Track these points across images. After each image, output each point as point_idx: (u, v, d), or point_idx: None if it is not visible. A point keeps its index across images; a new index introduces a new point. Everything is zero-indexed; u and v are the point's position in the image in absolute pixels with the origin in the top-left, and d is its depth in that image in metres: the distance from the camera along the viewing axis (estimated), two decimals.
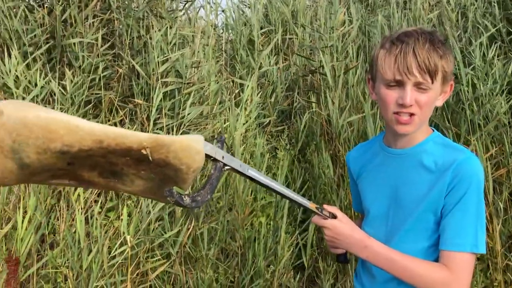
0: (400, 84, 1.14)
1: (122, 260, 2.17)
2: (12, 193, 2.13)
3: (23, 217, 1.92)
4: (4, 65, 2.35)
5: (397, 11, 3.86)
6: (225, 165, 1.01)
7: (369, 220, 1.28)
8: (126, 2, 2.79)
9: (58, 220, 2.25)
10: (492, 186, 2.57)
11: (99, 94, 2.76)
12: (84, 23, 2.76)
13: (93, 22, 2.84)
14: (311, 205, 1.21)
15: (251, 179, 1.10)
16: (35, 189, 2.15)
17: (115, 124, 2.88)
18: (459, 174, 1.13)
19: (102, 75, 2.70)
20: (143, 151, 0.85)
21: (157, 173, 0.89)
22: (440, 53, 1.14)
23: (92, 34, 2.78)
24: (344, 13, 3.95)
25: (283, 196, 1.17)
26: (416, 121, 1.16)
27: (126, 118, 2.93)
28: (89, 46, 2.85)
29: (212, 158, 0.98)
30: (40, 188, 2.19)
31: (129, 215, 2.35)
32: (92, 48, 2.89)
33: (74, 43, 2.68)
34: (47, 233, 2.18)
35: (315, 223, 1.22)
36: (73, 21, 2.82)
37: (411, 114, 1.15)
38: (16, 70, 2.31)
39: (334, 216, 1.21)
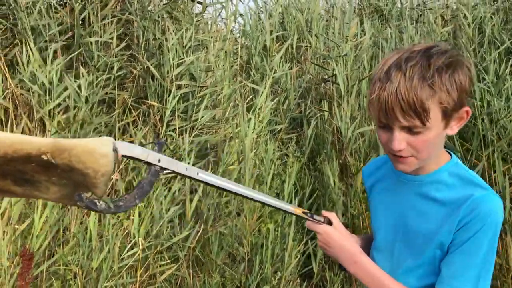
0: (388, 126, 1.03)
1: (132, 262, 2.17)
2: None
3: (40, 215, 1.93)
4: (22, 61, 2.36)
5: (411, 24, 3.87)
6: (163, 169, 0.95)
7: (375, 246, 1.21)
8: (144, 4, 2.81)
9: (67, 217, 2.25)
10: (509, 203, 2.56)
11: (112, 93, 2.77)
12: (102, 23, 2.78)
13: (111, 21, 2.86)
14: (296, 210, 1.15)
15: (207, 183, 1.02)
16: None
17: (128, 125, 2.89)
18: (474, 212, 1.01)
19: (116, 74, 2.71)
20: (43, 157, 0.82)
21: (67, 179, 0.86)
22: (432, 89, 0.98)
23: (109, 34, 2.79)
24: (358, 24, 3.96)
25: (256, 201, 1.10)
26: (414, 162, 1.05)
27: (139, 119, 2.94)
28: (105, 46, 2.87)
29: (143, 162, 0.93)
30: None
31: (139, 215, 2.35)
32: (108, 48, 2.91)
33: (91, 42, 2.70)
34: (61, 230, 2.18)
35: (308, 228, 1.16)
36: (91, 21, 2.84)
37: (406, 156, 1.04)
38: (32, 67, 2.33)
39: (330, 222, 1.16)
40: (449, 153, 1.13)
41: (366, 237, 1.29)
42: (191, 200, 2.52)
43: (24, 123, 2.37)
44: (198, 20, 3.19)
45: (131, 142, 2.89)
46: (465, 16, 3.32)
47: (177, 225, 2.40)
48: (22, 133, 2.36)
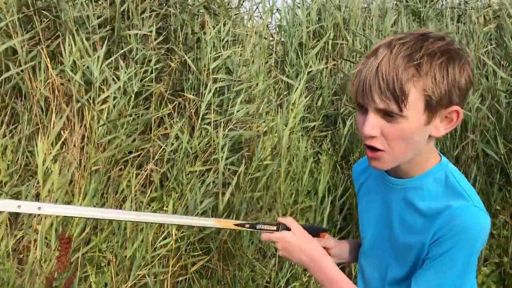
0: (365, 109, 0.91)
1: (165, 252, 2.19)
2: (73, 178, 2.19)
3: (80, 204, 1.97)
4: (65, 52, 2.42)
5: (451, 24, 3.77)
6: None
7: (363, 252, 1.11)
8: None
9: (105, 207, 2.30)
10: None
11: (150, 86, 2.81)
12: (141, 16, 2.82)
13: (149, 15, 2.90)
14: (219, 223, 1.05)
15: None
16: (94, 175, 2.20)
17: (163, 117, 2.93)
18: (449, 224, 0.89)
19: (154, 67, 2.75)
20: None
21: None
22: (417, 72, 0.86)
23: (148, 27, 2.83)
24: (395, 22, 3.89)
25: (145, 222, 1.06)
26: (386, 158, 0.92)
27: (174, 112, 2.97)
28: (143, 39, 2.91)
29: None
30: (99, 175, 2.24)
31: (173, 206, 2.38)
32: (145, 41, 2.95)
33: (130, 35, 2.74)
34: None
35: (264, 240, 1.07)
36: (130, 14, 2.89)
37: (377, 149, 0.91)
38: (75, 57, 2.38)
39: (287, 229, 1.07)
40: (441, 156, 1.00)
41: (355, 241, 1.22)
42: (223, 194, 2.53)
43: (65, 112, 2.43)
44: (235, 14, 3.20)
45: (167, 134, 2.93)
46: (508, 14, 3.21)
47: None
48: (63, 121, 2.41)
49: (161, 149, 2.74)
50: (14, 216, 2.24)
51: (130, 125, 2.49)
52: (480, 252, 0.99)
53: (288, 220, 1.07)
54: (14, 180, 2.40)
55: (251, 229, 1.06)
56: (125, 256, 2.17)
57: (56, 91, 2.80)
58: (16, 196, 2.28)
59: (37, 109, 2.76)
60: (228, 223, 1.07)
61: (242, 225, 1.07)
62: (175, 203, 2.42)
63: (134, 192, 2.27)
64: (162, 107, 2.86)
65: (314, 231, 1.12)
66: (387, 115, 0.88)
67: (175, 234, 2.22)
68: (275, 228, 1.07)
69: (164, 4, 2.97)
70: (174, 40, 2.95)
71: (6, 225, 2.15)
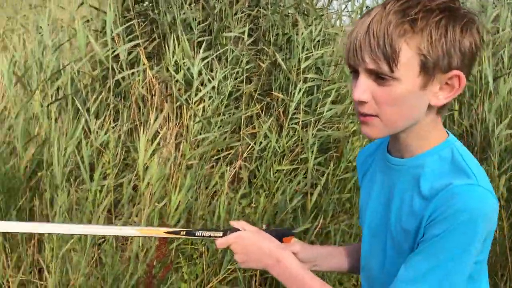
0: (356, 72, 0.83)
1: None
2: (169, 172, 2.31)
3: (176, 197, 2.07)
4: (166, 52, 2.55)
5: None
6: None
7: (362, 246, 0.99)
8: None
9: (199, 200, 2.39)
10: None
11: (240, 86, 2.88)
12: (234, 17, 2.91)
13: (240, 17, 2.97)
14: (142, 231, 0.95)
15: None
16: (190, 171, 2.31)
17: (251, 117, 2.99)
18: (446, 204, 0.78)
19: (245, 68, 2.81)
20: None
21: None
22: (410, 28, 0.77)
23: (239, 29, 2.91)
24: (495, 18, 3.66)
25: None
26: (378, 124, 0.82)
27: (262, 111, 3.03)
28: (234, 40, 3.00)
29: None
30: (194, 170, 2.34)
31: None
32: (236, 42, 3.03)
33: (224, 37, 2.83)
34: (193, 212, 2.33)
35: (220, 247, 0.96)
36: (223, 16, 2.98)
37: (369, 114, 0.82)
38: (177, 58, 2.51)
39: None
40: (448, 133, 0.88)
41: (335, 248, 1.10)
42: (311, 194, 2.53)
43: (163, 110, 2.56)
44: (324, 14, 3.19)
45: (255, 133, 2.99)
46: None
47: (299, 216, 2.43)
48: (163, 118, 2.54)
49: (249, 147, 2.80)
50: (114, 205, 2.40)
51: (223, 123, 2.57)
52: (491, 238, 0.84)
53: (241, 223, 0.97)
54: (114, 173, 2.58)
55: (188, 237, 0.96)
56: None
57: (152, 90, 2.97)
58: (117, 188, 2.45)
59: (135, 107, 2.94)
60: (155, 231, 0.96)
61: (176, 233, 0.96)
62: (264, 201, 2.46)
63: (226, 188, 2.34)
64: (251, 106, 2.92)
65: (277, 235, 0.99)
66: (378, 78, 0.80)
67: None
68: (220, 234, 0.95)
69: (255, 6, 3.03)
70: (264, 40, 3.00)
71: (110, 213, 2.30)
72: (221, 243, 0.95)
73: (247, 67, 2.90)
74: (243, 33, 2.82)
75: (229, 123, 2.71)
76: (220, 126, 2.58)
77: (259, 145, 2.71)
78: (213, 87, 2.59)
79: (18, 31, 4.22)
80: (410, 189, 0.85)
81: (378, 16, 0.78)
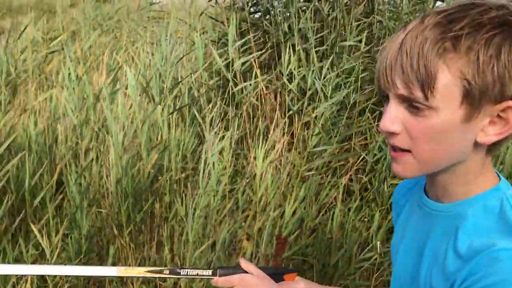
0: (387, 97, 0.69)
1: (368, 265, 2.16)
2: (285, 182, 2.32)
3: (291, 207, 2.07)
4: (282, 62, 2.57)
5: None
6: None
7: None
8: (396, 5, 2.77)
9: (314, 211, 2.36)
10: None
11: (354, 96, 2.81)
12: (350, 26, 2.85)
13: (356, 26, 2.91)
14: (120, 272, 0.87)
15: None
16: (306, 182, 2.30)
17: (361, 132, 2.90)
18: (484, 271, 0.62)
19: (360, 76, 2.74)
20: None
21: None
22: (453, 47, 0.62)
23: (354, 37, 2.84)
24: None
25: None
26: (411, 161, 0.69)
27: (374, 122, 2.92)
28: (348, 48, 2.93)
29: None
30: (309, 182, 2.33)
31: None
32: (350, 51, 2.97)
33: (340, 46, 2.79)
34: (305, 223, 2.31)
35: (222, 285, 0.90)
36: (337, 24, 2.94)
37: (401, 149, 0.69)
38: (292, 67, 2.52)
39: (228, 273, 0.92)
40: (500, 177, 0.72)
41: None
42: None
43: (277, 119, 2.58)
44: None
45: (366, 144, 2.90)
46: None
47: None
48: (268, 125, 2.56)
49: (360, 159, 2.71)
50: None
51: (340, 136, 2.52)
52: None
53: (249, 266, 0.92)
54: (227, 180, 2.65)
55: (172, 276, 0.89)
56: (329, 264, 2.19)
57: (263, 99, 3.02)
58: (226, 196, 2.51)
59: (245, 115, 3.01)
60: (136, 271, 0.90)
61: (160, 272, 0.90)
62: (378, 216, 2.37)
63: (340, 200, 2.29)
64: (362, 117, 2.84)
65: (277, 274, 0.95)
66: (411, 106, 0.66)
67: (379, 248, 2.16)
68: (209, 272, 0.90)
69: (370, 13, 2.95)
70: (377, 48, 2.90)
71: (225, 216, 2.36)
72: (223, 282, 0.91)
73: (362, 75, 2.82)
74: (359, 41, 2.75)
75: (341, 133, 2.65)
76: (336, 136, 2.53)
77: (373, 157, 2.62)
78: (325, 96, 2.56)
79: (139, 43, 4.55)
80: (446, 242, 0.71)
81: (415, 30, 0.64)
